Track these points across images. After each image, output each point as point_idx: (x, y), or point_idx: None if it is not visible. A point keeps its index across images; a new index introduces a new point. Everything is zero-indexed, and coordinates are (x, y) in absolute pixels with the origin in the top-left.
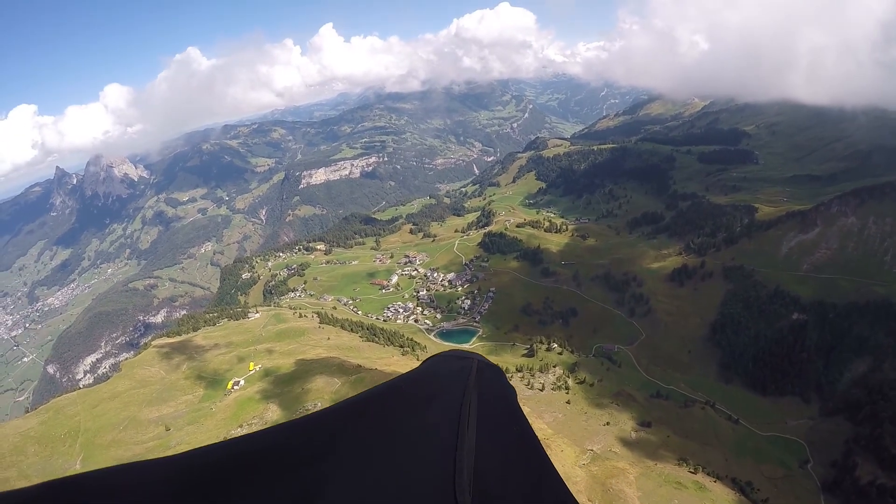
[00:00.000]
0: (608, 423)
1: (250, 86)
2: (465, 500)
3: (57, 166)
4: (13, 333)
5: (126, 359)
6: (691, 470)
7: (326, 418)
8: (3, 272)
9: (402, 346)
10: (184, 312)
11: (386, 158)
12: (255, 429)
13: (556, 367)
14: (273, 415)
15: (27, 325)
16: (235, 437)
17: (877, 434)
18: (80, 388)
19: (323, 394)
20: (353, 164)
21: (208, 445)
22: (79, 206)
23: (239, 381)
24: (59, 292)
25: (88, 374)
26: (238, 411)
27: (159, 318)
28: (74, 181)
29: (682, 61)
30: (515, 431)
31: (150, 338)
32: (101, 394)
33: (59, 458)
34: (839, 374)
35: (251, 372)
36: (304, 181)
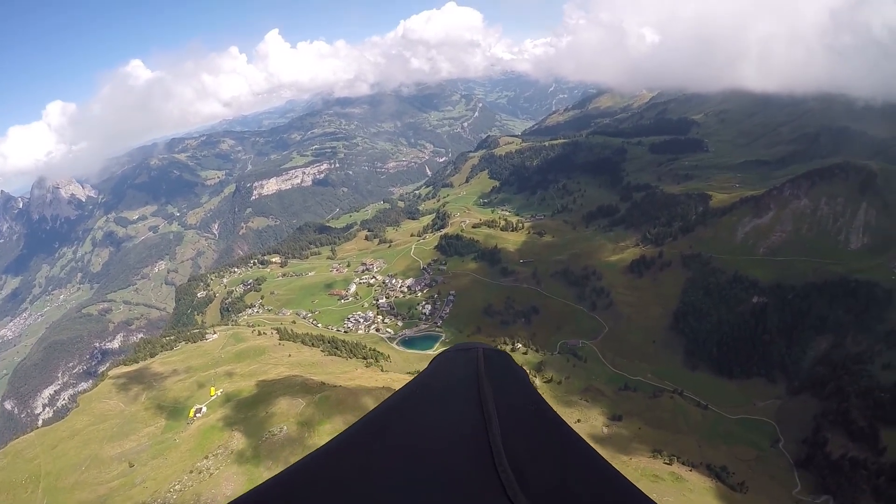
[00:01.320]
0: (579, 421)
1: (196, 96)
2: (510, 479)
3: (1, 190)
4: None
5: (84, 391)
6: (666, 461)
7: (358, 437)
8: None
9: (365, 358)
10: (141, 335)
11: (337, 165)
12: (220, 458)
13: (523, 367)
14: (238, 443)
15: None
16: (272, 480)
17: (844, 408)
18: (38, 427)
19: (288, 416)
20: (304, 172)
21: (263, 487)
22: (26, 231)
23: (201, 408)
24: (11, 323)
25: (47, 408)
26: (202, 441)
27: (116, 344)
28: (20, 205)
29: (631, 54)
30: (533, 409)
31: (107, 366)
32: (60, 433)
33: None
34: (802, 352)
35: (213, 397)
36: (255, 192)
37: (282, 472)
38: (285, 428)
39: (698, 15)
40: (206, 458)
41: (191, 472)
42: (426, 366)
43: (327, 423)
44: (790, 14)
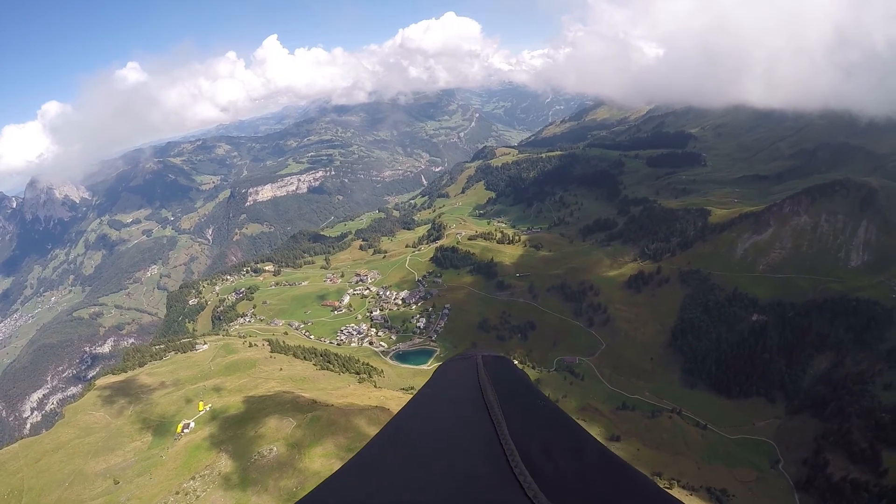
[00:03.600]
0: None
1: (193, 100)
2: (527, 478)
3: None
4: None
5: (72, 396)
6: (666, 485)
7: (374, 456)
8: None
9: (358, 373)
10: (132, 341)
11: (333, 172)
12: (207, 480)
13: (523, 370)
14: (225, 465)
15: None
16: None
17: (845, 429)
18: (23, 438)
19: (277, 437)
20: (299, 180)
21: None
22: (19, 232)
23: (189, 424)
24: (2, 324)
25: (36, 412)
26: (189, 459)
27: (106, 349)
28: (14, 205)
29: (633, 67)
30: (541, 408)
31: (97, 370)
32: (44, 445)
33: None
34: (802, 371)
35: (201, 412)
36: (250, 198)
37: (308, 494)
38: (275, 449)
39: (703, 29)
40: (193, 478)
41: (177, 493)
42: (428, 378)
43: (318, 445)
44: (796, 30)
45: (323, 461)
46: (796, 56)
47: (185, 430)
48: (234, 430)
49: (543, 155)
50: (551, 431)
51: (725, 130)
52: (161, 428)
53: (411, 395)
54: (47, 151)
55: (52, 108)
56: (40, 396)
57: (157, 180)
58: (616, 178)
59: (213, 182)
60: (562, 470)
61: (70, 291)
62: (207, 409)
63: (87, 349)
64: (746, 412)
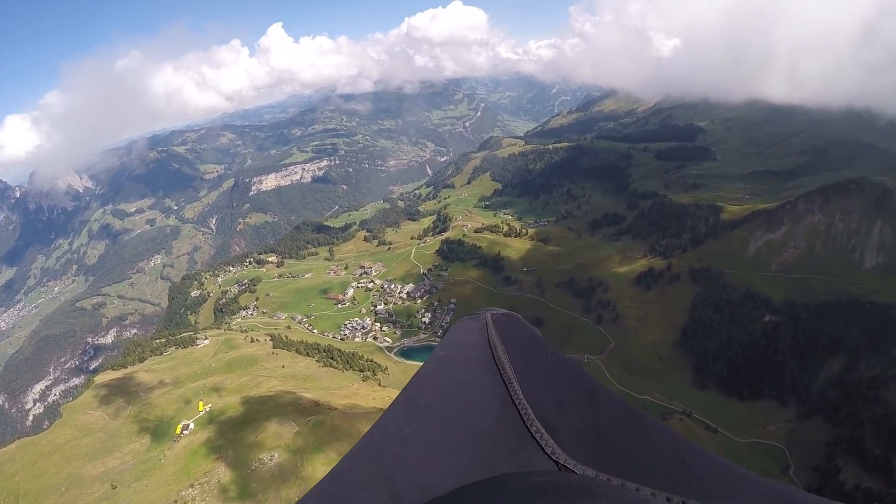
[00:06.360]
0: None
1: (197, 89)
2: (543, 435)
3: None
4: None
5: (74, 388)
6: None
7: (391, 425)
8: None
9: (362, 370)
10: (134, 331)
11: (338, 161)
12: (206, 489)
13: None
14: (224, 473)
15: None
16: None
17: (857, 436)
18: (25, 429)
19: (278, 442)
20: (304, 169)
21: None
22: (22, 221)
23: (189, 425)
24: (5, 314)
25: (38, 403)
26: (188, 464)
27: (109, 339)
28: (17, 194)
29: (647, 59)
30: (552, 362)
31: (98, 362)
32: (41, 447)
33: None
34: (814, 375)
35: (201, 413)
36: (254, 187)
37: (335, 467)
38: (276, 456)
39: (722, 21)
40: (192, 486)
41: (175, 501)
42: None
43: (320, 453)
44: (821, 25)
45: (326, 469)
46: (821, 52)
47: (184, 432)
48: (233, 434)
49: (550, 146)
50: (564, 386)
51: (735, 124)
52: (160, 429)
53: None
54: (52, 139)
55: (53, 97)
56: (43, 388)
57: (161, 169)
58: (624, 171)
59: (217, 171)
60: (577, 423)
61: (73, 281)
62: (208, 409)
63: (90, 340)
64: (757, 415)
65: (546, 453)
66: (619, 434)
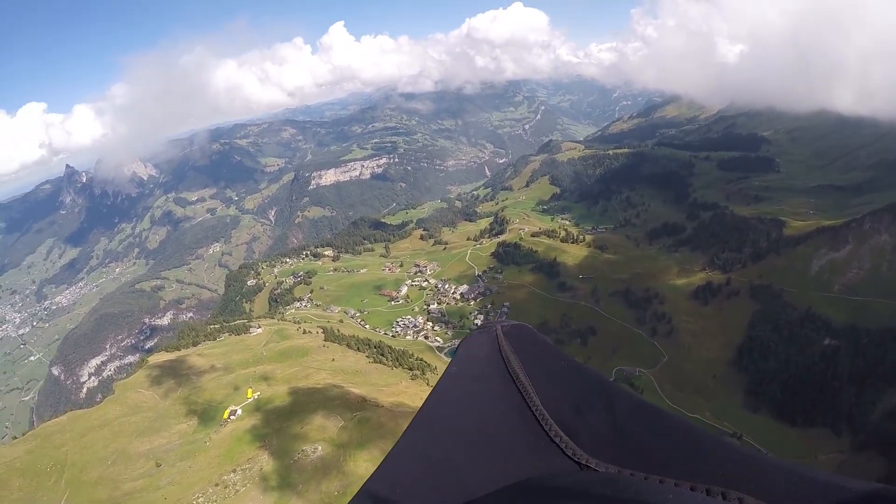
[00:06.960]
0: None
1: (261, 84)
2: (563, 438)
3: (67, 164)
4: (21, 332)
5: (128, 364)
6: None
7: (412, 441)
8: (13, 270)
9: (411, 369)
10: (190, 315)
11: (396, 159)
12: (248, 475)
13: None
14: (266, 461)
15: (34, 323)
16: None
17: None
18: (79, 401)
19: (322, 436)
20: (363, 165)
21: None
22: (88, 205)
23: (236, 410)
24: (67, 291)
25: (93, 377)
26: (232, 449)
27: (165, 321)
28: (84, 179)
29: (712, 64)
30: (565, 368)
31: (153, 342)
32: (91, 420)
33: (43, 493)
34: (872, 404)
35: (249, 400)
36: (313, 182)
37: (358, 492)
38: (319, 449)
39: (788, 26)
40: (234, 471)
41: (216, 484)
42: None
43: (363, 449)
44: (894, 32)
45: (368, 466)
46: (893, 61)
47: (231, 417)
48: (279, 424)
49: (610, 152)
50: (579, 389)
51: (801, 135)
52: (207, 413)
53: None
54: (113, 131)
55: (120, 89)
56: (98, 363)
57: (223, 161)
58: (685, 179)
59: (278, 164)
60: (595, 424)
61: (134, 264)
62: (256, 396)
63: (147, 320)
64: (810, 443)
65: (567, 455)
66: (638, 430)
